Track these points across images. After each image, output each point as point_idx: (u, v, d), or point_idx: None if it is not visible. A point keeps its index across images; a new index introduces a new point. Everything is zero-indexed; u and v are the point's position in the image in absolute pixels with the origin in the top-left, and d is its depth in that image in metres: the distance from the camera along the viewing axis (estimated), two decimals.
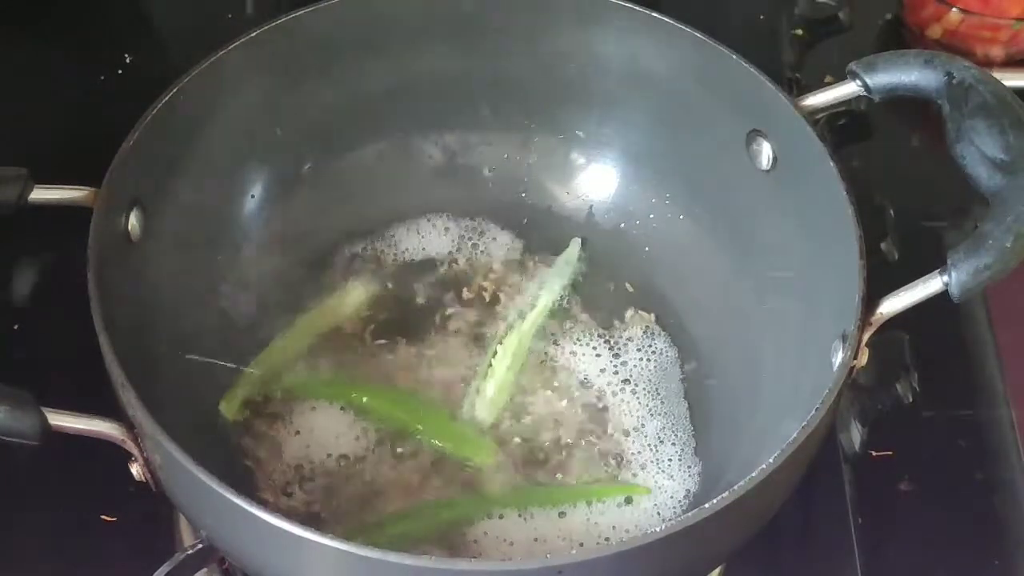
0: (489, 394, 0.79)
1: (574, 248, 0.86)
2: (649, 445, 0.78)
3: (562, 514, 0.74)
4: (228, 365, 0.78)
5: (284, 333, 0.81)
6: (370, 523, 0.74)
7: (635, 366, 0.81)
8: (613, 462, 0.77)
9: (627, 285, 0.85)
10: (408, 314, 0.84)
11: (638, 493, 0.76)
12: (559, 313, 0.84)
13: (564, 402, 0.80)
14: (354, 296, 0.84)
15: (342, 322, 0.83)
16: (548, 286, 0.84)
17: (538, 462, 0.77)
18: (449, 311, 0.84)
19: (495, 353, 0.81)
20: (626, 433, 0.78)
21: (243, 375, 0.79)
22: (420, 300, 0.84)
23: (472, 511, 0.75)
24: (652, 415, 0.79)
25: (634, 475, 0.77)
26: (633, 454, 0.78)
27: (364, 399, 0.79)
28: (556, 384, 0.81)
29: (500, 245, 0.87)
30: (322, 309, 0.83)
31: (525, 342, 0.81)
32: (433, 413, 0.79)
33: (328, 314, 0.83)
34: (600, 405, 0.80)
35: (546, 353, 0.82)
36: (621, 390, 0.80)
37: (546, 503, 0.75)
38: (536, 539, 0.73)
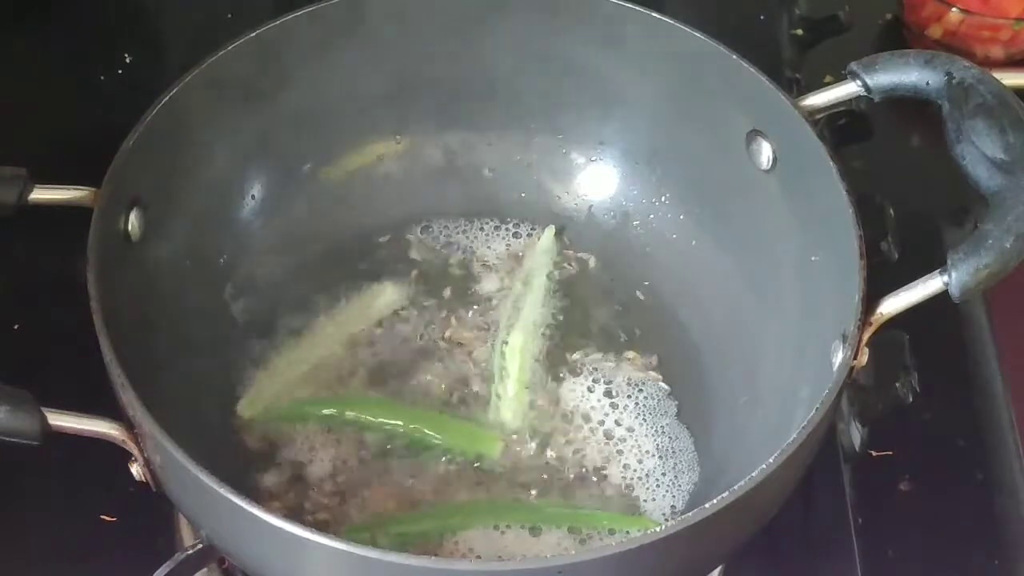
0: (510, 394, 0.79)
1: (548, 236, 0.86)
2: (647, 455, 0.77)
3: (535, 530, 0.74)
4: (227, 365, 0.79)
5: (307, 338, 0.81)
6: (370, 523, 0.74)
7: (634, 369, 0.81)
8: (606, 481, 0.77)
9: (627, 285, 0.85)
10: (407, 315, 0.83)
11: (648, 527, 0.73)
12: (556, 314, 0.84)
13: (563, 409, 0.79)
14: (384, 299, 0.84)
15: (372, 324, 0.82)
16: (534, 279, 0.84)
17: (538, 476, 0.77)
18: (448, 312, 0.84)
19: (503, 354, 0.81)
20: (624, 439, 0.78)
21: (263, 379, 0.79)
22: (419, 300, 0.84)
23: (474, 516, 0.74)
24: (651, 421, 0.79)
25: (635, 493, 0.76)
26: (632, 463, 0.77)
27: (356, 414, 0.78)
28: (552, 390, 0.80)
29: (500, 246, 0.87)
30: (348, 313, 0.83)
31: (530, 340, 0.81)
32: (433, 416, 0.79)
33: (356, 318, 0.83)
34: (599, 411, 0.79)
35: (546, 358, 0.82)
36: (625, 401, 0.80)
37: (560, 523, 0.74)
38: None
